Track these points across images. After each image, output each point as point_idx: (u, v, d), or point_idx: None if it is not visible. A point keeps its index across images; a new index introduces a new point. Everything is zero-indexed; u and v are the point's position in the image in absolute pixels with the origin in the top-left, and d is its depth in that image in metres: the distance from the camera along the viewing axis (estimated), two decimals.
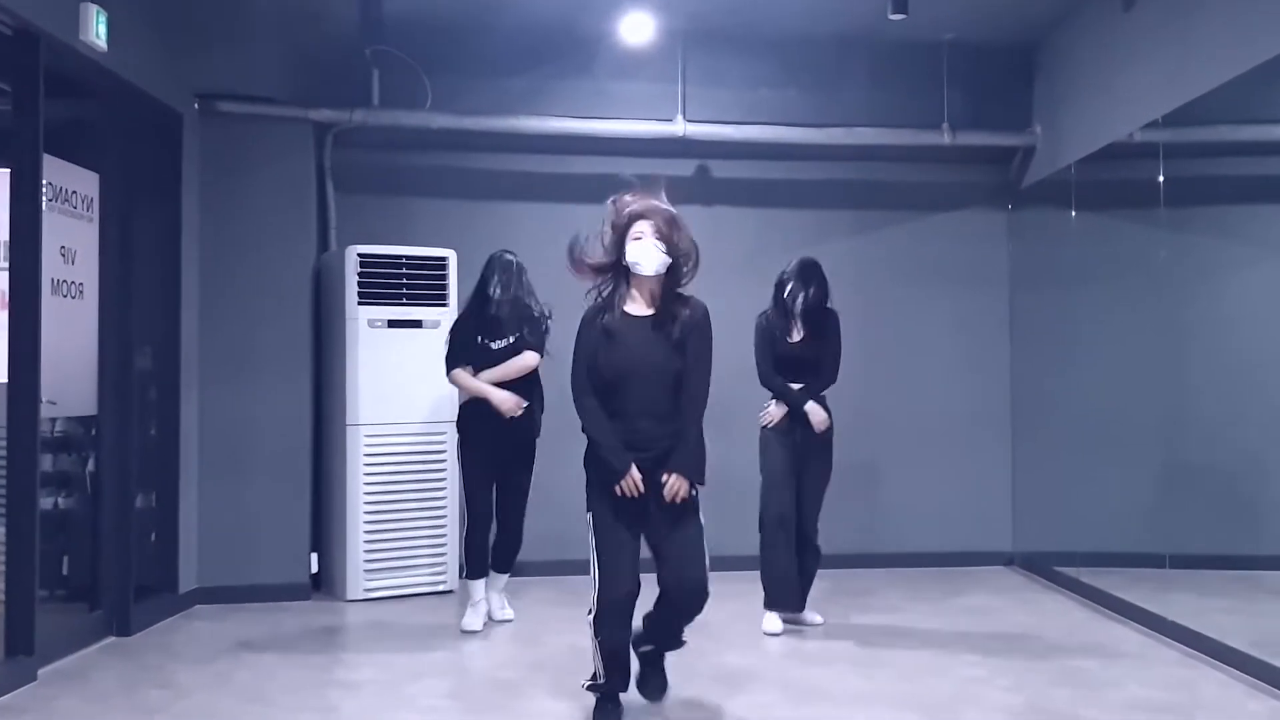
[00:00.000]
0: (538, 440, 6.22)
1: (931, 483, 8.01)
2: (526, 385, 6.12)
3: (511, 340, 6.07)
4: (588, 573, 4.41)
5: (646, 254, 4.40)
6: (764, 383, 6.16)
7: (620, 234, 4.44)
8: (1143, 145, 6.29)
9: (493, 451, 6.15)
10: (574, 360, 4.48)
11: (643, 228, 4.41)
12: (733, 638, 5.87)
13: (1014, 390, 8.16)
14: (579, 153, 7.74)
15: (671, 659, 4.71)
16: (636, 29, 7.27)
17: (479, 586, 6.24)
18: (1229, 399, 5.81)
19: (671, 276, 4.47)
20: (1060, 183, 7.32)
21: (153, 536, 6.54)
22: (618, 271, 4.49)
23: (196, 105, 6.84)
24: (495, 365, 6.06)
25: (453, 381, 6.17)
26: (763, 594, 6.11)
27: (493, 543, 6.27)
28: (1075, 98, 7.28)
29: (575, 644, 5.76)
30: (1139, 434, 6.39)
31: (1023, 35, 7.77)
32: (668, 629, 4.57)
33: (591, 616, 4.42)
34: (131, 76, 6.05)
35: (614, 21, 7.29)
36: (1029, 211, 8.00)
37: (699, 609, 4.41)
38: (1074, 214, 7.16)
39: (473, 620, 6.17)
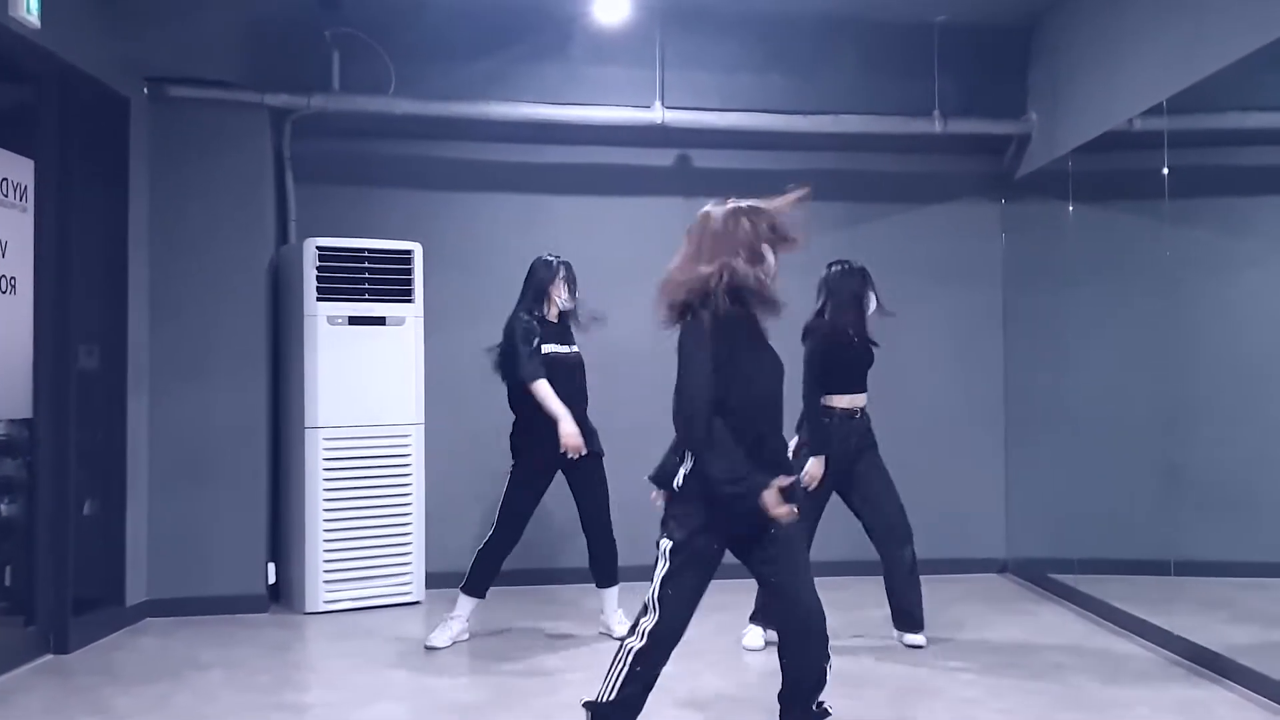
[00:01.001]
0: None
1: (921, 486, 7.62)
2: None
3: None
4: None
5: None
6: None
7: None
8: (1145, 133, 6.00)
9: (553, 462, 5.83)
10: None
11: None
12: (712, 655, 5.52)
13: (1007, 390, 7.88)
14: (551, 141, 7.44)
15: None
16: (611, 9, 6.94)
17: (466, 603, 5.87)
18: (1234, 398, 5.58)
19: None
20: (1057, 173, 7.01)
21: (98, 546, 6.17)
22: None
23: (145, 89, 6.51)
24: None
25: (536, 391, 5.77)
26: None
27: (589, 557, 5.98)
28: (1073, 83, 6.96)
29: (542, 663, 5.46)
30: (1139, 435, 6.13)
31: (1017, 17, 7.46)
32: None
33: (639, 645, 3.82)
34: (70, 57, 5.72)
35: (587, 0, 6.95)
36: (1024, 203, 7.70)
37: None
38: (1071, 206, 6.85)
39: (439, 637, 5.82)
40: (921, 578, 7.26)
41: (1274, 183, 5.46)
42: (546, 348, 5.75)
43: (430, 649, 5.75)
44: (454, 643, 5.83)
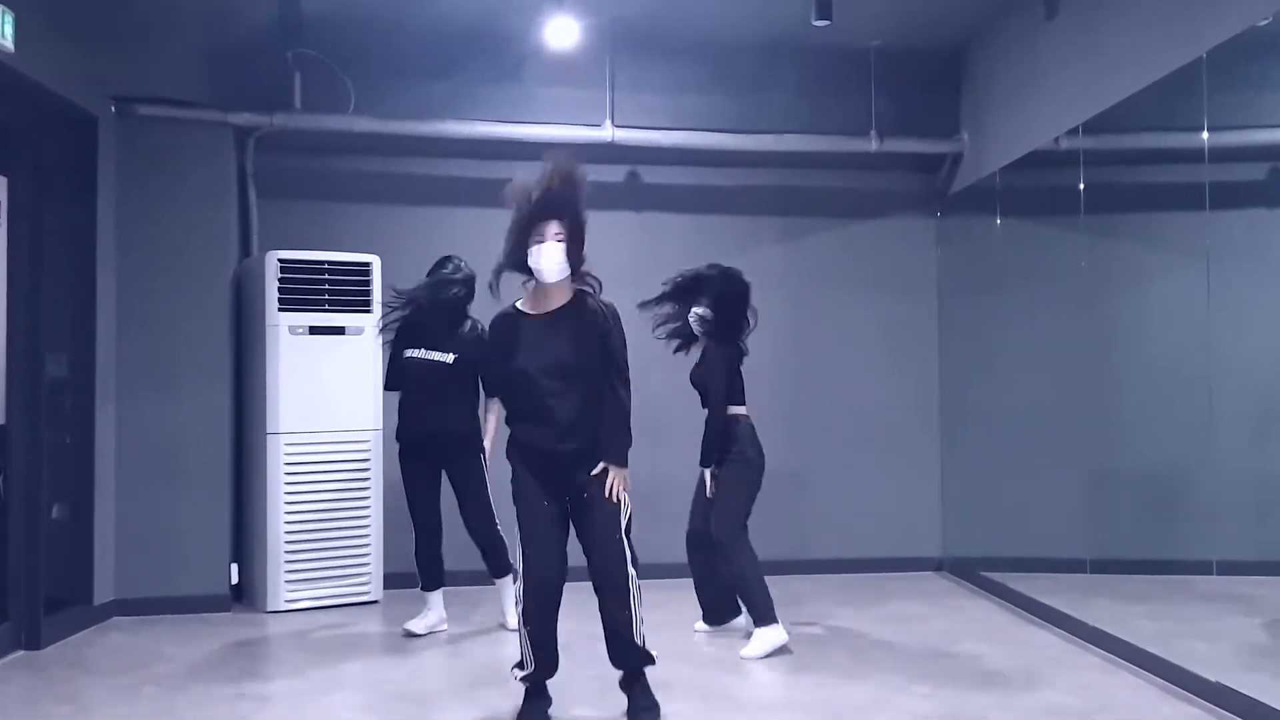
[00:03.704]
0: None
1: (861, 489, 8.04)
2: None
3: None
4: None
5: (549, 259, 4.44)
6: (720, 425, 5.93)
7: (523, 231, 4.48)
8: (1064, 152, 6.35)
9: (433, 457, 6.21)
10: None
11: (546, 229, 4.45)
12: (657, 647, 5.78)
13: (943, 396, 8.20)
14: (506, 158, 7.63)
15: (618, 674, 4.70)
16: (562, 33, 7.22)
17: (429, 597, 6.29)
18: (1151, 404, 5.83)
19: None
20: (986, 189, 7.36)
21: (67, 547, 6.40)
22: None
23: (113, 108, 6.73)
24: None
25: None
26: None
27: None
28: (1000, 105, 7.34)
29: (496, 654, 5.73)
30: (1064, 439, 6.42)
31: (949, 42, 7.83)
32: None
33: (520, 608, 4.51)
34: (42, 78, 5.92)
35: (540, 24, 7.22)
36: (957, 218, 8.05)
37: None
38: (999, 220, 7.20)
39: (415, 623, 6.22)
40: (861, 575, 7.67)
41: (1184, 198, 5.78)
42: (410, 351, 6.18)
43: (408, 634, 6.16)
44: (431, 632, 6.22)
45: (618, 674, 4.67)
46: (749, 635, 5.85)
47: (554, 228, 4.43)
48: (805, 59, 7.89)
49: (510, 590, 6.15)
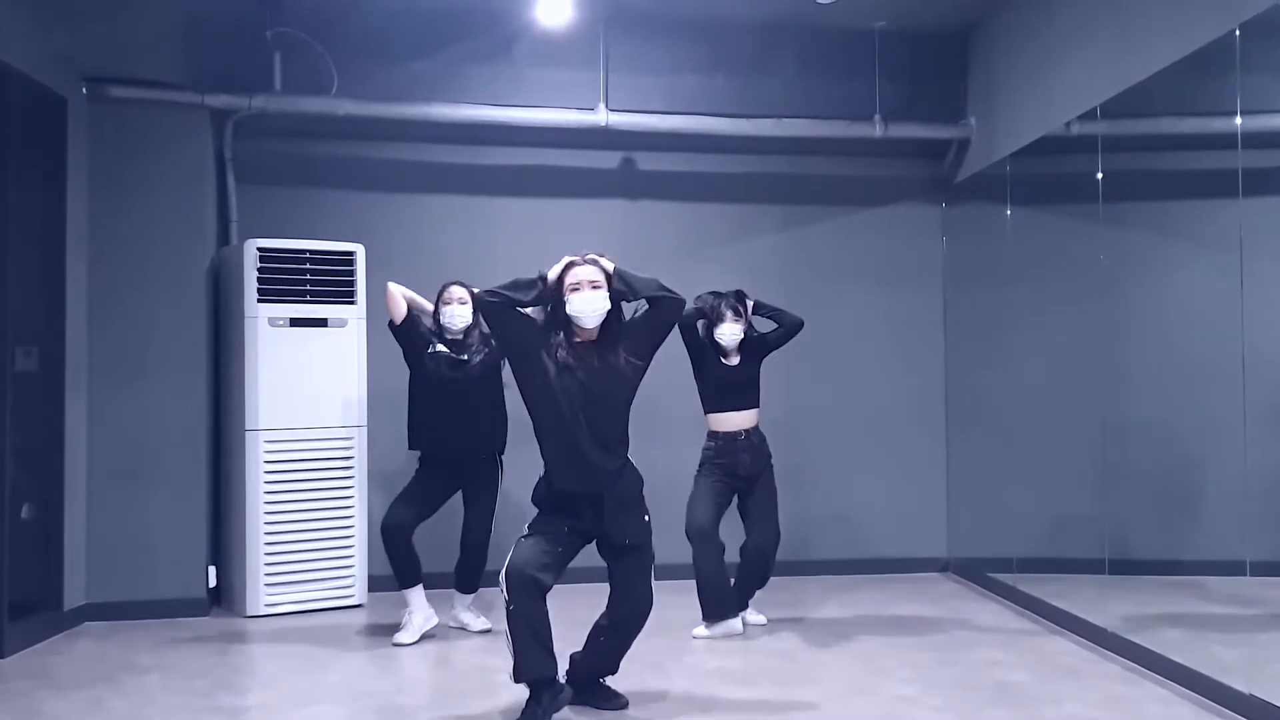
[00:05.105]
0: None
1: (863, 487, 7.78)
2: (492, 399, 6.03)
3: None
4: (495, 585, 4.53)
5: (587, 304, 4.48)
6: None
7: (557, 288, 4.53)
8: (1079, 138, 6.07)
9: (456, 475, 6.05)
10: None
11: (579, 275, 4.50)
12: (653, 655, 5.52)
13: (948, 391, 7.92)
14: (495, 143, 7.41)
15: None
16: (554, 11, 6.93)
17: (410, 596, 6.00)
18: (1168, 399, 5.60)
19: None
20: (995, 177, 7.08)
21: (35, 549, 6.09)
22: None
23: (84, 89, 6.44)
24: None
25: None
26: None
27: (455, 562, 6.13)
28: (1010, 88, 7.05)
29: (484, 664, 5.46)
30: (1076, 435, 6.19)
31: (957, 22, 7.55)
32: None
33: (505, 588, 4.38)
34: (8, 57, 5.68)
35: (532, 1, 6.94)
36: (963, 206, 7.76)
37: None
38: (1009, 210, 6.92)
39: (404, 634, 5.92)
40: (864, 577, 7.46)
41: (1206, 186, 5.54)
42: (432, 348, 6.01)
43: (398, 645, 5.86)
44: (422, 636, 5.95)
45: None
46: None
47: (589, 274, 4.49)
48: (807, 40, 7.61)
49: (467, 602, 6.20)
